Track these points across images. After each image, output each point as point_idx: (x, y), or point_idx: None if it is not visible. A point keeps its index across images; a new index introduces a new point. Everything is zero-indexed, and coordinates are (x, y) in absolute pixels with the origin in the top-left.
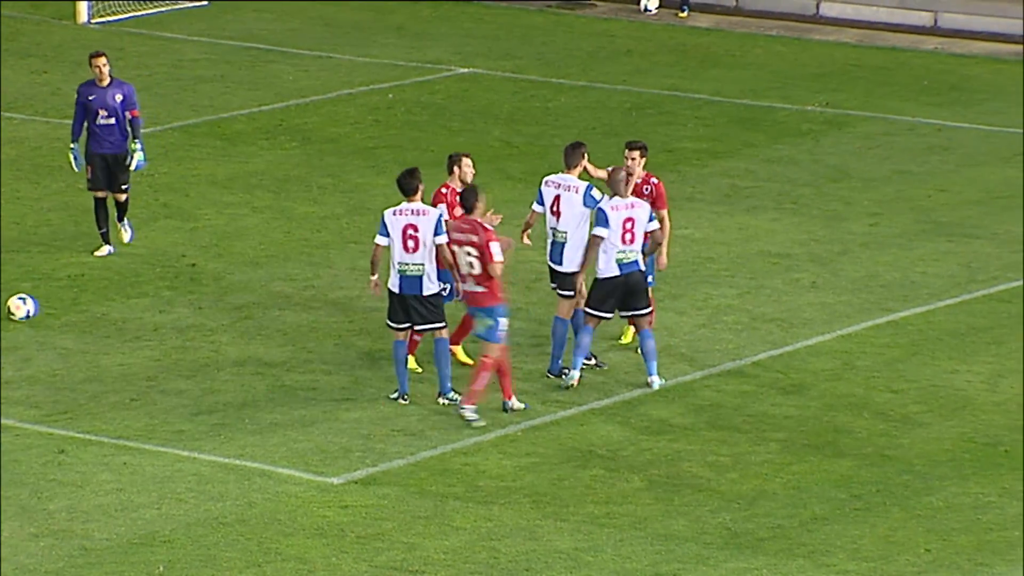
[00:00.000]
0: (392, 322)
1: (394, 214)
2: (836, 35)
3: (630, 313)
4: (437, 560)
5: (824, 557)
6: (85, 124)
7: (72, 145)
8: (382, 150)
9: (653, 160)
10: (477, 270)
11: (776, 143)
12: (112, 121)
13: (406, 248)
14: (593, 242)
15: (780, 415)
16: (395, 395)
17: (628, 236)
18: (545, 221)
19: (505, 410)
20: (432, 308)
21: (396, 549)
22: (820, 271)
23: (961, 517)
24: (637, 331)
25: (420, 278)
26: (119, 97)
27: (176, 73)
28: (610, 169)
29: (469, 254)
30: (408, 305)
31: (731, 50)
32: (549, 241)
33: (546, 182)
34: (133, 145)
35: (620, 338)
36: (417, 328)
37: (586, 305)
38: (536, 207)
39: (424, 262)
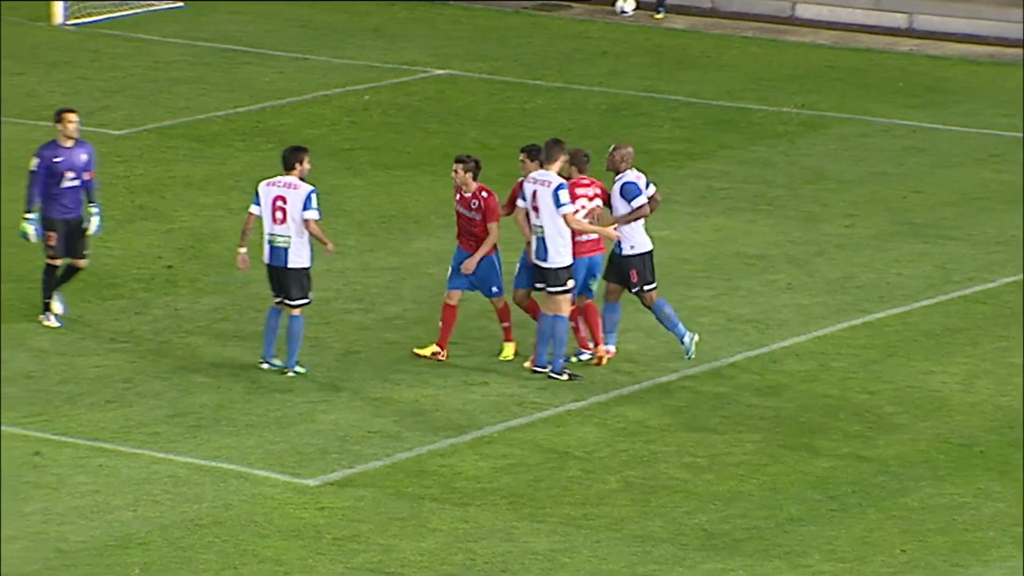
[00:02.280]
0: (272, 290)
1: (267, 185)
2: (812, 37)
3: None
4: (414, 562)
5: (800, 558)
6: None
7: (31, 215)
8: (358, 152)
9: None
10: None
11: (752, 145)
12: (77, 183)
13: (274, 219)
14: (640, 212)
15: (756, 416)
16: (261, 361)
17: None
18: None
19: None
20: (295, 284)
21: (372, 551)
22: (796, 272)
23: (936, 518)
24: (649, 305)
25: (286, 250)
26: (84, 157)
27: (152, 75)
28: (613, 147)
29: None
30: (276, 276)
31: (707, 52)
32: (534, 238)
33: (529, 179)
34: (91, 209)
35: (499, 354)
36: (284, 301)
37: (648, 282)
38: (519, 203)
39: (291, 235)
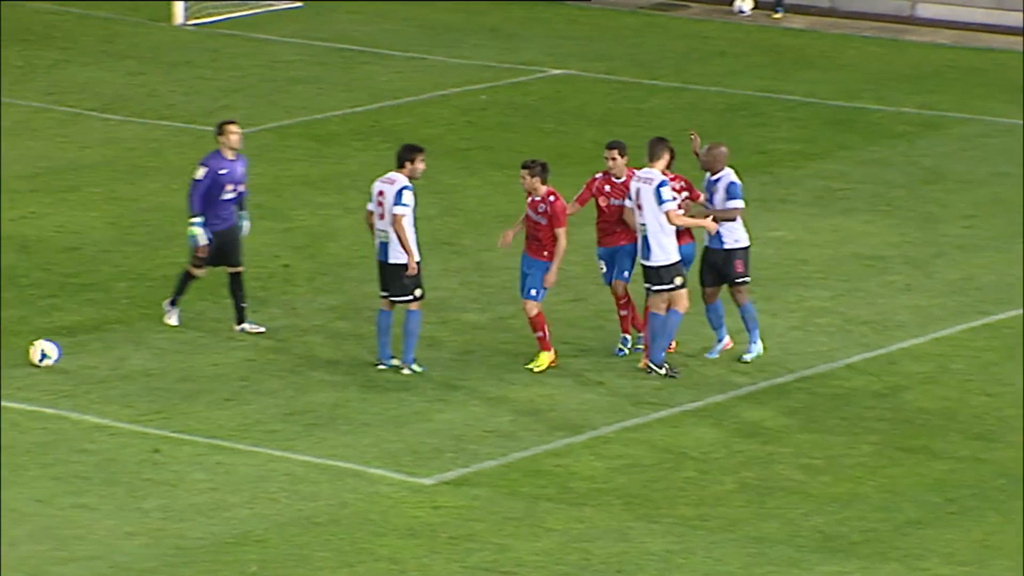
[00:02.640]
0: (380, 290)
1: (379, 181)
2: (931, 36)
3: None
4: (529, 561)
5: (918, 561)
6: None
7: (198, 219)
8: (475, 151)
9: (746, 162)
10: None
11: (870, 145)
12: (235, 196)
13: (379, 214)
14: (740, 215)
15: (874, 418)
16: (377, 363)
17: None
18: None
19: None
20: (396, 279)
21: (488, 550)
22: (914, 273)
23: None
24: (741, 303)
25: (387, 244)
26: (242, 170)
27: (271, 74)
28: (708, 147)
29: None
30: (380, 271)
31: (825, 51)
32: (639, 236)
33: (635, 177)
34: (242, 214)
35: (531, 363)
36: (388, 297)
37: (746, 276)
38: (626, 202)
39: (387, 229)
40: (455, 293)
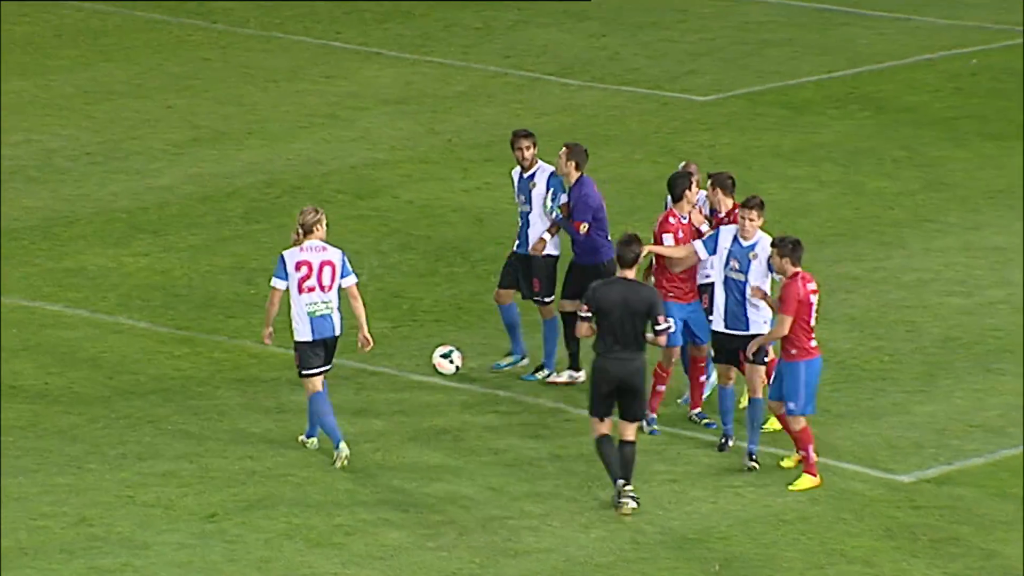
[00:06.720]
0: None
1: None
2: None
3: None
4: (1020, 571)
5: None
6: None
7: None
8: (963, 121)
9: None
10: None
11: None
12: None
13: None
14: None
15: None
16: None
17: None
18: None
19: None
20: None
21: (973, 556)
22: None
23: None
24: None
25: None
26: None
27: (742, 36)
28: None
29: None
30: None
31: None
32: None
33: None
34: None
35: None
36: None
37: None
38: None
39: None
40: (939, 275)
